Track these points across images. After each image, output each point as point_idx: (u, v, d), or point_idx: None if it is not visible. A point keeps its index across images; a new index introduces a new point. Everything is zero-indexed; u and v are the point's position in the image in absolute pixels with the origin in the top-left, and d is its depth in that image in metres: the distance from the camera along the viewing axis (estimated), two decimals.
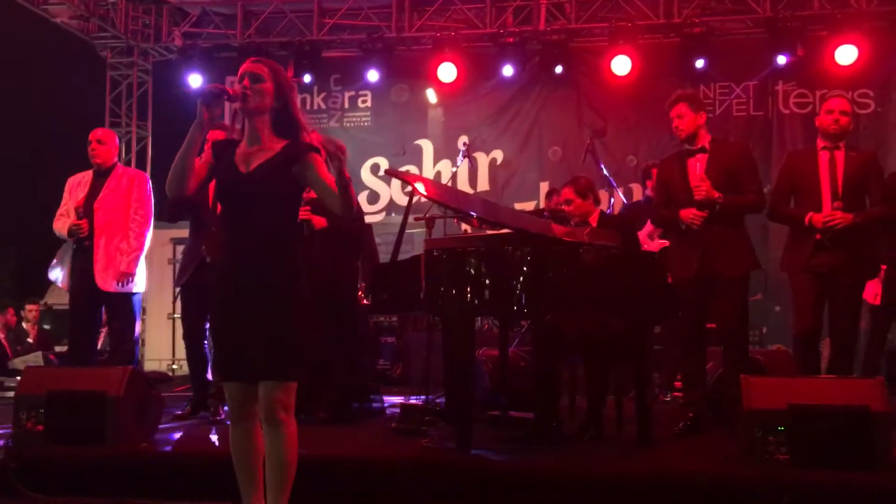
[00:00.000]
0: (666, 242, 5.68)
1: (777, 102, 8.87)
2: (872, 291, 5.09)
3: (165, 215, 5.04)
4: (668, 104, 4.67)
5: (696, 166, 4.52)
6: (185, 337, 5.08)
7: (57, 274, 5.22)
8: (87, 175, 5.21)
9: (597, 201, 4.90)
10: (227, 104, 2.83)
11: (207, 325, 4.99)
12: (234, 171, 2.76)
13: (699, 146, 4.56)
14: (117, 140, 5.48)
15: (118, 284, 5.01)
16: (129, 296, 5.10)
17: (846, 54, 8.09)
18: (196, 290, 4.87)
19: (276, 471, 2.73)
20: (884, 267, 4.77)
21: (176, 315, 8.46)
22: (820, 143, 4.61)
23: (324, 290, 4.66)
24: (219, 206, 4.73)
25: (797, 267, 4.54)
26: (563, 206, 4.89)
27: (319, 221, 4.76)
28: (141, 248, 5.09)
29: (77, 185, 5.17)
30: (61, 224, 5.08)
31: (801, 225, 4.48)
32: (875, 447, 3.34)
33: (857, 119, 8.09)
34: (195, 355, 5.05)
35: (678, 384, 5.77)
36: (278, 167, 2.74)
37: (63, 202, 5.17)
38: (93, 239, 5.00)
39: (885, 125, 8.41)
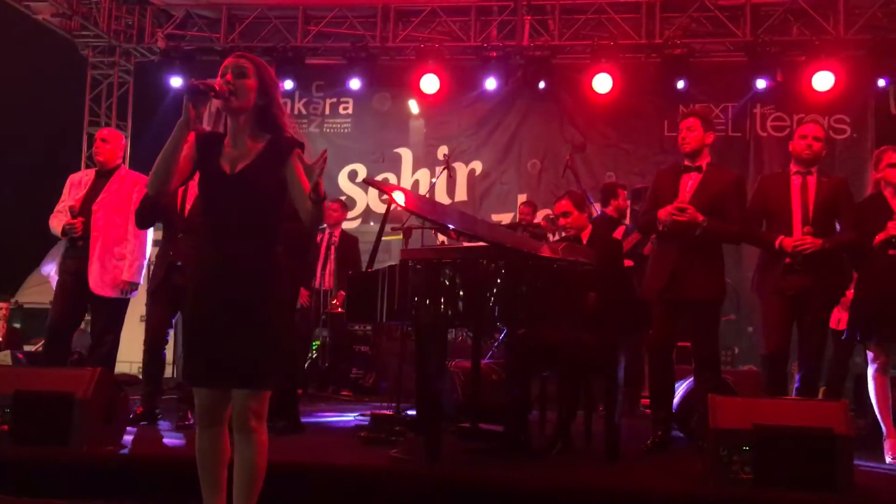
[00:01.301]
0: (631, 262, 5.78)
1: (755, 125, 9.00)
2: (835, 317, 5.16)
3: (135, 221, 4.93)
4: (681, 115, 4.76)
5: (689, 184, 4.57)
6: (148, 341, 4.95)
7: (50, 269, 5.17)
8: (90, 174, 5.16)
9: (590, 217, 4.94)
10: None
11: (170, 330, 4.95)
12: (219, 171, 2.70)
13: (697, 164, 4.61)
14: (123, 141, 5.44)
15: (122, 293, 4.98)
16: (122, 301, 5.06)
17: (823, 81, 8.22)
18: (165, 294, 4.83)
19: (244, 479, 2.69)
20: (849, 293, 4.83)
21: None
22: (793, 167, 4.69)
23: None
24: (186, 208, 4.75)
25: (767, 289, 4.60)
26: (559, 218, 4.91)
27: None
28: (143, 257, 5.07)
29: (78, 183, 5.12)
30: (56, 222, 5.02)
31: (772, 248, 4.54)
32: (837, 469, 3.38)
33: (833, 145, 8.23)
34: (156, 360, 4.97)
35: (645, 401, 5.83)
36: (264, 168, 2.68)
37: (62, 199, 5.11)
38: (88, 240, 4.95)
39: (861, 151, 8.53)
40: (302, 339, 6.80)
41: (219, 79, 2.69)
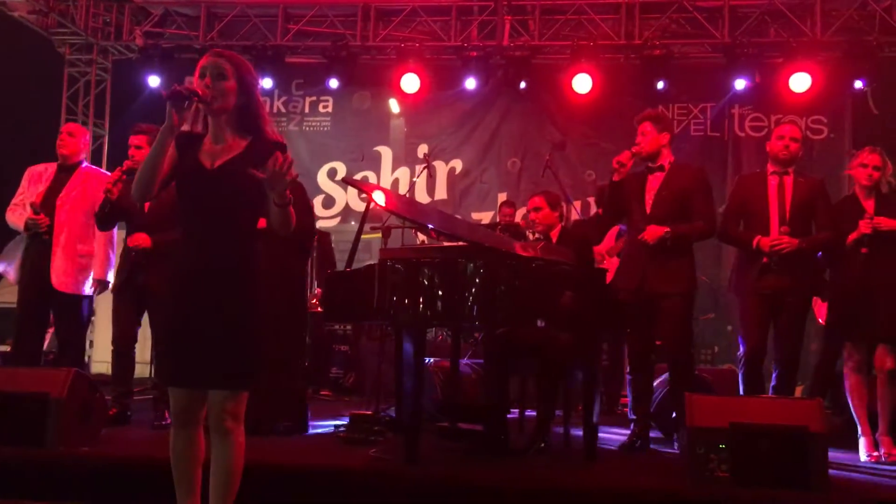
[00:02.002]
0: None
1: (733, 125, 9.06)
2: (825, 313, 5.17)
3: (97, 223, 4.87)
4: (636, 121, 4.77)
5: (655, 185, 4.61)
6: (116, 341, 4.86)
7: (6, 267, 5.08)
8: (51, 167, 5.08)
9: (562, 217, 4.97)
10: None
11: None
12: (199, 167, 2.68)
13: (658, 165, 4.64)
14: (88, 137, 5.39)
15: (94, 292, 4.92)
16: (81, 297, 4.99)
17: (800, 82, 8.28)
18: (130, 293, 4.78)
19: (221, 480, 2.67)
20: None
21: None
22: (770, 167, 4.73)
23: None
24: (146, 204, 4.70)
25: (744, 289, 4.64)
26: (530, 213, 4.93)
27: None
28: (112, 253, 5.01)
29: (38, 177, 5.04)
30: (17, 216, 4.94)
31: (750, 248, 4.58)
32: (812, 467, 3.42)
33: (810, 145, 8.31)
34: (124, 360, 4.89)
35: (625, 400, 5.86)
36: (244, 166, 2.64)
37: (19, 191, 5.03)
38: (52, 234, 4.89)
39: (839, 151, 8.61)
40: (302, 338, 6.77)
41: (198, 81, 2.66)
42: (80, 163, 5.10)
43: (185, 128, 2.71)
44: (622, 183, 4.63)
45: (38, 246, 4.90)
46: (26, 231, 4.91)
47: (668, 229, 4.46)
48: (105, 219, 4.78)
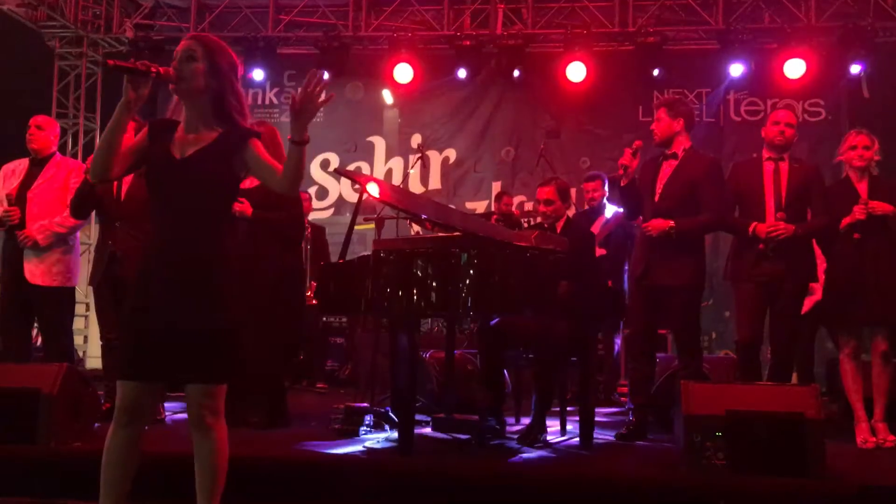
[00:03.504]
0: (604, 251, 5.81)
1: (728, 110, 9.04)
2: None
3: (70, 210, 4.78)
4: (655, 107, 4.76)
5: (668, 172, 4.60)
6: (104, 336, 4.81)
7: None
8: (23, 163, 5.04)
9: (568, 207, 4.95)
10: None
11: None
12: (168, 156, 2.60)
13: (672, 152, 4.62)
14: (58, 129, 5.32)
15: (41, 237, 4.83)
16: (60, 290, 4.94)
17: (794, 68, 8.26)
18: (109, 287, 4.72)
19: (206, 478, 2.60)
20: (821, 279, 4.85)
21: None
22: (765, 153, 4.70)
23: (245, 283, 4.53)
24: (122, 195, 4.65)
25: (740, 276, 4.62)
26: (541, 205, 4.88)
27: (244, 209, 4.54)
28: (64, 230, 4.90)
29: (11, 173, 5.00)
30: None
31: (746, 234, 4.56)
32: (808, 453, 3.40)
33: (809, 127, 8.29)
34: (116, 354, 4.86)
35: (622, 389, 5.85)
36: (215, 155, 2.58)
37: None
38: (24, 228, 4.85)
39: (837, 134, 8.57)
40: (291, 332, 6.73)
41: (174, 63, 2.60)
42: (52, 155, 5.06)
43: (169, 115, 2.66)
44: (634, 180, 4.59)
45: (14, 241, 4.86)
46: (2, 227, 4.87)
47: (672, 224, 4.43)
48: (80, 205, 4.72)
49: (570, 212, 5.49)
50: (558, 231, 4.73)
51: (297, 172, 2.58)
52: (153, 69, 2.51)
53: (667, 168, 4.61)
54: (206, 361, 2.53)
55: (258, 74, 9.18)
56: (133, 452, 2.59)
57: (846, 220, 4.46)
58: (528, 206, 8.37)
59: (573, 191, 6.70)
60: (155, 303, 2.54)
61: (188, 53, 2.60)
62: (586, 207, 6.83)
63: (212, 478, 2.60)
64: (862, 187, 4.54)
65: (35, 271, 4.84)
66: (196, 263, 2.56)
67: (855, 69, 8.27)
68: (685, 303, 4.54)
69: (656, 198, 4.57)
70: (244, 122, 2.67)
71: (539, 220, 4.97)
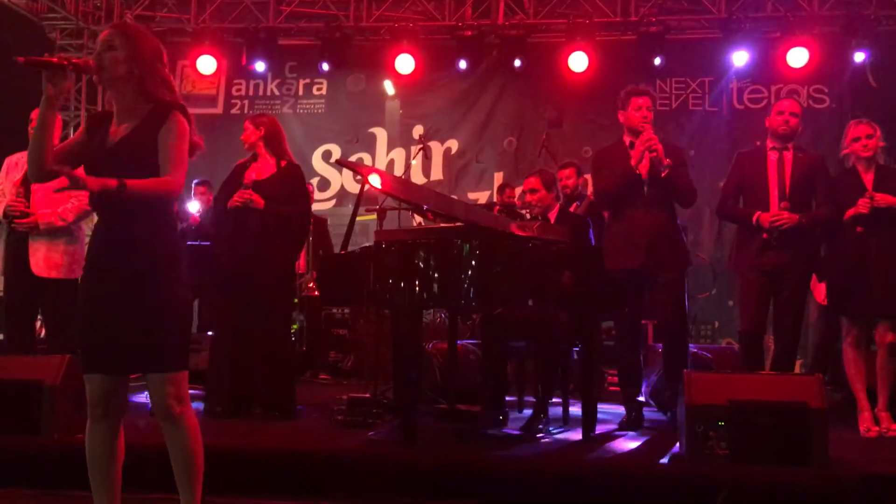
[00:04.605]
0: None
1: (732, 98, 9.00)
2: (823, 293, 5.12)
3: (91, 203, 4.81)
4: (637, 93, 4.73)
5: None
6: None
7: None
8: (25, 155, 5.03)
9: (558, 197, 4.93)
10: None
11: None
12: (101, 146, 2.59)
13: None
14: (60, 120, 5.32)
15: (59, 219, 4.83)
16: (66, 282, 4.95)
17: (797, 57, 8.21)
18: None
19: (182, 468, 2.57)
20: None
21: None
22: (769, 143, 4.69)
23: (252, 275, 4.57)
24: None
25: (744, 266, 4.62)
26: (526, 195, 4.89)
27: (257, 201, 4.60)
28: (65, 222, 4.89)
29: (15, 166, 4.99)
30: None
31: (749, 224, 4.55)
32: (812, 443, 3.40)
33: (814, 114, 8.26)
34: None
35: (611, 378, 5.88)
36: (140, 138, 2.55)
37: None
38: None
39: (841, 120, 8.54)
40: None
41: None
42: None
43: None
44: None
45: (18, 233, 4.85)
46: (5, 219, 4.87)
47: (669, 161, 4.46)
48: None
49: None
50: (552, 221, 4.73)
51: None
52: (67, 62, 2.48)
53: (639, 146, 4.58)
54: (157, 348, 2.51)
55: (259, 66, 9.15)
56: (114, 444, 2.60)
57: (850, 212, 4.44)
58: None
59: (580, 180, 6.71)
60: (99, 292, 2.53)
61: (107, 44, 2.57)
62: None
63: (188, 469, 2.58)
64: (868, 178, 4.53)
65: (41, 263, 4.85)
66: (133, 249, 2.52)
67: (859, 57, 8.22)
68: (680, 288, 4.61)
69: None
70: (169, 98, 2.62)
71: (531, 211, 4.96)
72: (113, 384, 2.57)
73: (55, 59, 2.48)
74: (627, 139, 4.67)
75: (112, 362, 2.53)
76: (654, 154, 4.41)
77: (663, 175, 4.42)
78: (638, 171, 4.48)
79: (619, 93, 4.78)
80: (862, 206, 4.39)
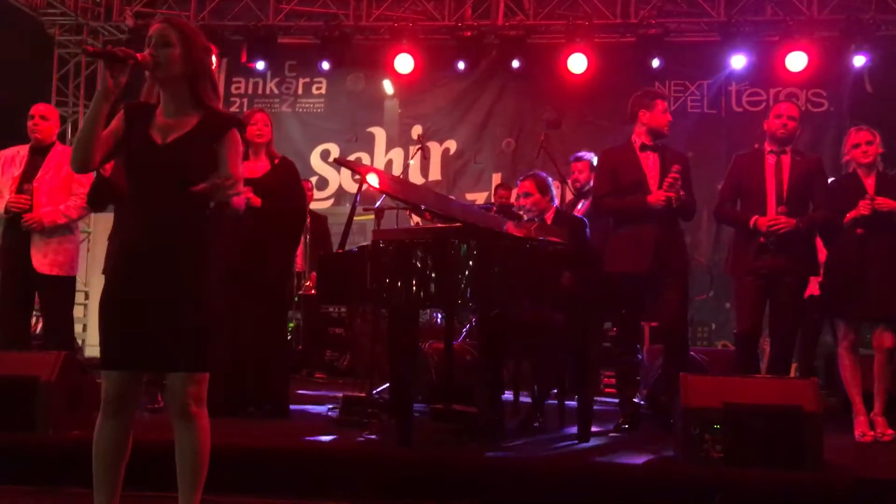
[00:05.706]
0: None
1: (730, 101, 9.01)
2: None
3: (87, 200, 4.77)
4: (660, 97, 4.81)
5: (649, 162, 4.59)
6: None
7: None
8: (23, 150, 5.01)
9: (553, 200, 4.93)
10: None
11: None
12: (149, 141, 2.57)
13: (653, 144, 4.62)
14: (58, 117, 5.32)
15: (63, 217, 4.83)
16: (64, 278, 4.94)
17: (796, 61, 8.23)
18: None
19: (189, 468, 2.56)
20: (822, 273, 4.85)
21: None
22: (767, 146, 4.70)
23: (248, 274, 4.56)
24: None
25: (741, 269, 4.62)
26: (520, 198, 4.89)
27: (254, 199, 4.55)
28: (68, 220, 4.89)
29: (11, 161, 4.97)
30: None
31: (746, 227, 4.56)
32: (806, 446, 3.40)
33: (812, 117, 8.28)
34: None
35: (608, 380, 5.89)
36: (197, 142, 2.55)
37: None
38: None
39: (840, 124, 8.57)
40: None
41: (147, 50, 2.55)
42: (53, 144, 5.04)
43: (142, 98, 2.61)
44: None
45: (17, 229, 4.84)
46: (6, 214, 4.86)
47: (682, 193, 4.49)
48: (98, 196, 4.70)
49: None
50: (549, 223, 4.74)
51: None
52: (131, 56, 2.48)
53: (647, 157, 4.62)
54: (187, 349, 2.51)
55: (259, 64, 9.15)
56: (123, 442, 2.59)
57: (851, 214, 4.45)
58: None
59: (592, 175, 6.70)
60: (134, 290, 2.51)
61: (164, 39, 2.55)
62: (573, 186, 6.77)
63: (196, 469, 2.57)
64: (869, 183, 4.54)
65: (43, 260, 4.84)
66: (175, 250, 2.53)
67: (858, 61, 8.23)
68: (684, 291, 4.63)
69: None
70: (219, 106, 2.65)
71: (527, 215, 4.97)
72: (130, 382, 2.57)
73: (119, 52, 2.47)
74: (639, 140, 4.67)
75: (137, 360, 2.53)
76: (674, 194, 4.45)
77: (674, 206, 4.47)
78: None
79: (636, 93, 4.80)
80: (863, 207, 4.40)
